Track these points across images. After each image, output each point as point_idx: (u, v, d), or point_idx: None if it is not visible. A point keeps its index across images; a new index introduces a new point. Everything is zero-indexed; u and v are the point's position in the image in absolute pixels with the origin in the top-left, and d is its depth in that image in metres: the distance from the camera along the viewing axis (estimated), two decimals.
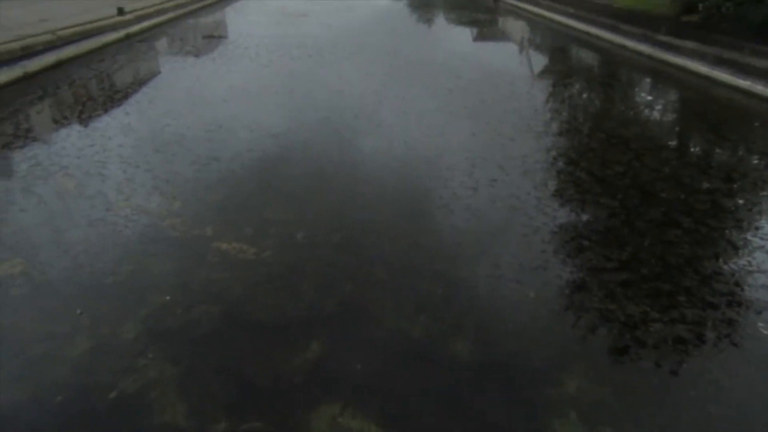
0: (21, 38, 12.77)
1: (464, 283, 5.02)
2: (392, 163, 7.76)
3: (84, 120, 9.50)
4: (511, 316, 4.57)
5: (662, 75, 13.91)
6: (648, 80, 13.96)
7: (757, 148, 8.92)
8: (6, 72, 11.49)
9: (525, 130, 9.08)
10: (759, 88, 11.45)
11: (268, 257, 5.33)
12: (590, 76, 14.22)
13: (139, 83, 12.43)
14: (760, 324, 4.51)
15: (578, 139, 9.10)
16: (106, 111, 10.03)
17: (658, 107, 11.63)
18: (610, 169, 7.56)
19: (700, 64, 13.03)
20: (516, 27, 23.32)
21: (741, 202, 6.82)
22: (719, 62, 12.41)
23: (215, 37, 18.56)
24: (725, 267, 5.35)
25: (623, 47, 16.57)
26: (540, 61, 16.38)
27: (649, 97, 12.34)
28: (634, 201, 6.62)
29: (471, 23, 23.42)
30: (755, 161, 8.35)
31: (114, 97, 11.14)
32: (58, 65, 13.28)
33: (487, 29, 22.70)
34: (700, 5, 15.39)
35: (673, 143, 9.46)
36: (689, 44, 13.65)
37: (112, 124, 9.25)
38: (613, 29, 17.50)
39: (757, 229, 6.15)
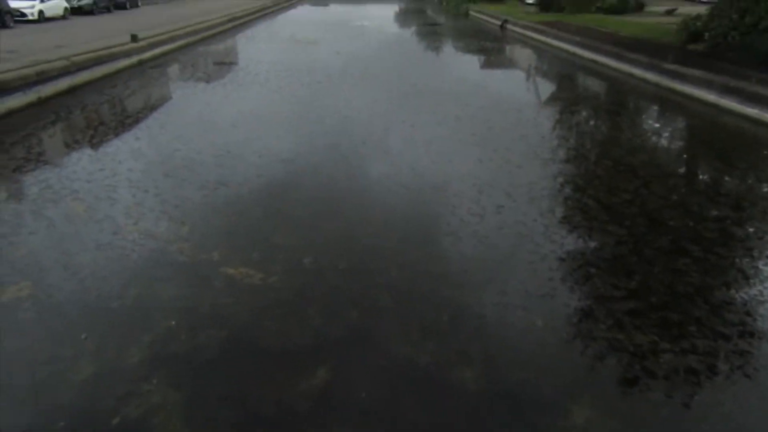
0: (36, 64, 13.02)
1: (471, 311, 4.98)
2: (400, 189, 7.78)
3: (95, 144, 9.62)
4: (519, 345, 4.52)
5: (669, 103, 13.96)
6: (655, 108, 14.01)
7: (767, 176, 8.89)
8: (20, 97, 11.70)
9: (532, 157, 9.10)
10: None
11: (274, 282, 5.33)
12: (597, 104, 14.29)
13: (151, 108, 12.61)
14: None
15: (585, 166, 9.11)
16: (117, 135, 10.16)
17: (665, 135, 11.64)
18: (617, 197, 7.54)
19: (707, 92, 13.07)
20: (523, 55, 23.56)
21: (751, 230, 6.76)
22: (726, 90, 12.44)
23: (226, 64, 18.86)
24: (736, 296, 5.28)
25: (630, 75, 16.67)
26: (547, 88, 16.50)
27: (656, 125, 12.36)
28: (641, 229, 6.59)
29: (478, 51, 23.69)
30: (765, 189, 8.31)
31: (125, 122, 11.29)
32: (72, 90, 13.52)
33: (494, 57, 22.94)
34: (706, 34, 15.53)
35: (680, 171, 9.44)
36: (696, 72, 13.72)
37: (122, 148, 9.36)
38: (620, 57, 17.63)
39: None
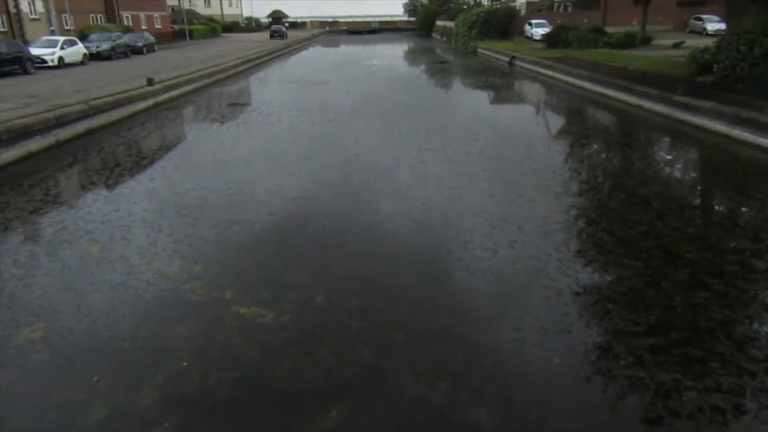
0: (55, 108, 13.37)
1: (486, 348, 4.88)
2: (411, 226, 7.77)
3: (111, 185, 9.77)
4: (535, 383, 4.40)
5: (680, 134, 13.93)
6: (666, 140, 13.98)
7: None
8: (39, 140, 11.97)
9: (544, 191, 9.06)
10: None
11: (286, 322, 5.28)
12: (608, 137, 14.30)
13: (165, 149, 12.83)
14: None
15: (598, 199, 9.05)
16: (132, 177, 10.32)
17: (678, 166, 11.58)
18: (632, 229, 7.45)
19: (718, 123, 13.04)
20: (532, 90, 23.78)
21: None
22: (738, 121, 12.40)
23: (239, 105, 19.23)
24: (760, 330, 5.13)
25: (639, 108, 16.72)
26: (557, 122, 16.58)
27: (668, 156, 12.31)
28: (658, 262, 6.48)
29: (487, 87, 23.97)
30: None
31: (140, 163, 11.48)
32: (90, 133, 13.82)
33: (503, 92, 23.19)
34: (715, 66, 15.58)
35: (695, 202, 9.35)
36: (706, 104, 13.71)
37: (137, 189, 9.48)
38: (629, 91, 17.72)
39: None
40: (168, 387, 4.35)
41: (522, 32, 42.42)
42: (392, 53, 47.86)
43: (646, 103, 16.54)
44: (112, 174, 10.54)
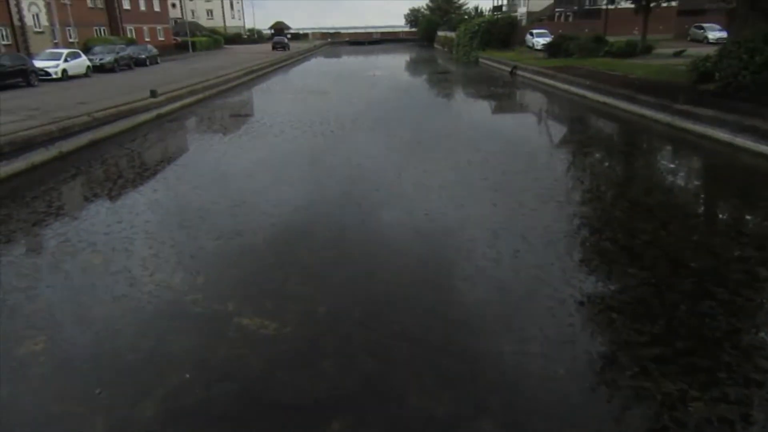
0: (59, 120, 13.42)
1: (489, 359, 4.84)
2: (413, 236, 7.75)
3: (113, 197, 9.78)
4: (540, 394, 4.36)
5: (683, 143, 13.91)
6: (669, 148, 13.96)
7: None
8: (42, 153, 12.01)
9: (546, 200, 9.04)
10: None
11: (288, 333, 5.25)
12: (610, 145, 14.29)
13: (168, 160, 12.86)
14: None
15: (601, 208, 9.03)
16: (135, 188, 10.34)
17: (681, 174, 11.55)
18: (636, 238, 7.42)
19: (721, 131, 13.03)
20: (534, 99, 23.82)
21: None
22: (741, 129, 12.38)
23: (242, 116, 19.29)
24: (767, 340, 5.08)
25: (641, 116, 16.72)
26: (559, 131, 16.58)
27: (671, 165, 12.29)
28: (663, 271, 6.44)
29: (489, 96, 24.02)
30: None
31: (143, 175, 11.51)
32: (93, 145, 13.86)
33: (505, 102, 23.23)
34: (717, 74, 15.58)
35: (699, 210, 9.31)
36: (708, 112, 13.70)
37: (140, 200, 9.49)
38: (630, 99, 17.73)
39: None
40: (170, 399, 4.32)
41: (523, 42, 42.59)
42: (394, 63, 48.06)
43: (648, 112, 16.54)
44: (115, 185, 10.56)
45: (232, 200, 9.31)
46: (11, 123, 12.90)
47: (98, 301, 5.90)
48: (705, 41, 36.38)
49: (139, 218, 8.49)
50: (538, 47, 38.07)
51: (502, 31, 44.14)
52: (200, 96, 22.69)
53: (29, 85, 22.50)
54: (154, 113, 18.04)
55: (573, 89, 22.64)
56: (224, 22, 77.48)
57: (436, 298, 5.97)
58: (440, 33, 68.19)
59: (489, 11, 65.31)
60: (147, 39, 46.51)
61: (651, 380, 4.44)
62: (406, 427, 4.04)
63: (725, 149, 12.65)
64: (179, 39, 54.26)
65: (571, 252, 7.04)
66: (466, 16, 65.41)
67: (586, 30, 37.79)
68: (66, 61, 25.79)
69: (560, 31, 39.51)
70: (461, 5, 76.61)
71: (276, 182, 10.57)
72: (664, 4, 31.14)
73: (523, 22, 52.06)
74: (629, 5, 31.20)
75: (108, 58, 30.52)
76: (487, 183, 10.21)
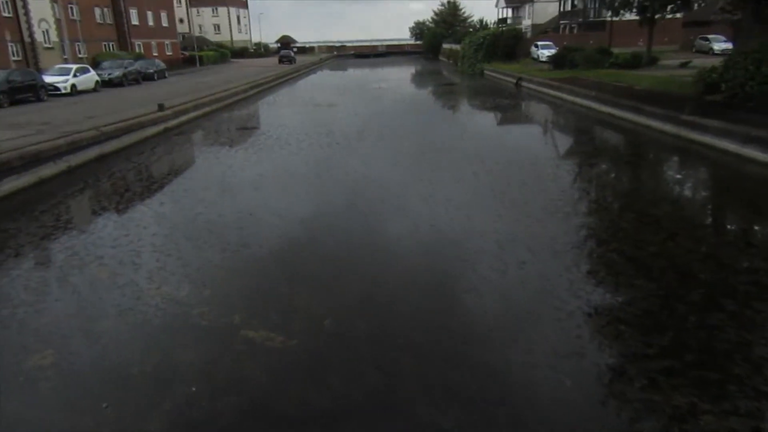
0: (67, 134, 13.55)
1: (496, 371, 4.81)
2: (419, 247, 7.74)
3: (121, 210, 9.84)
4: (548, 407, 4.32)
5: (690, 153, 13.86)
6: (675, 159, 13.93)
7: None
8: (50, 167, 12.12)
9: (552, 211, 9.02)
10: None
11: (294, 346, 5.24)
12: (616, 156, 14.27)
13: (175, 173, 12.94)
14: None
15: (608, 218, 9.00)
16: (142, 201, 10.40)
17: (689, 185, 11.51)
18: (643, 250, 7.38)
19: (728, 141, 12.98)
20: (539, 110, 23.85)
21: None
22: (748, 140, 12.34)
23: (248, 129, 19.41)
24: None
25: (648, 127, 16.70)
26: (564, 142, 16.58)
27: (678, 176, 12.25)
28: (671, 282, 6.40)
29: (494, 108, 24.07)
30: None
31: (150, 188, 11.58)
32: (101, 159, 13.98)
33: (510, 113, 23.27)
34: (723, 85, 15.56)
35: (707, 221, 9.26)
36: (715, 123, 13.66)
37: (147, 213, 9.54)
38: (637, 110, 17.71)
39: None
40: (176, 413, 4.32)
41: (528, 54, 42.74)
42: (399, 76, 48.30)
43: (654, 123, 16.52)
44: (123, 199, 10.63)
45: (238, 212, 9.34)
46: (21, 137, 13.04)
47: (105, 315, 5.92)
48: (710, 52, 36.39)
49: (146, 231, 8.53)
50: (543, 59, 38.17)
51: (507, 44, 44.31)
52: (207, 109, 22.86)
53: (39, 100, 22.75)
54: (161, 127, 18.18)
55: (578, 100, 22.66)
56: (231, 36, 78.28)
57: (442, 310, 5.95)
58: (445, 45, 68.58)
59: (494, 24, 65.68)
60: (155, 53, 47.03)
61: (660, 393, 4.40)
62: None
63: (733, 160, 12.60)
64: (187, 53, 54.81)
65: (578, 263, 7.01)
66: (471, 29, 65.81)
67: (591, 42, 37.92)
68: (75, 76, 26.08)
69: (565, 43, 39.64)
70: (466, 18, 77.16)
71: (282, 194, 10.61)
72: (669, 16, 31.15)
73: (528, 35, 52.32)
74: (634, 17, 31.26)
75: (116, 73, 30.84)
76: (493, 194, 10.20)
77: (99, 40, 40.27)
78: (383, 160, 13.63)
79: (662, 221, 8.55)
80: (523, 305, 6.01)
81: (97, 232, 8.60)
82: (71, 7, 35.57)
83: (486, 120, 21.47)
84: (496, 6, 69.87)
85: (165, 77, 37.56)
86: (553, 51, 37.02)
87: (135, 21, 45.39)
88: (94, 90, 27.57)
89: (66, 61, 31.88)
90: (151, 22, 48.34)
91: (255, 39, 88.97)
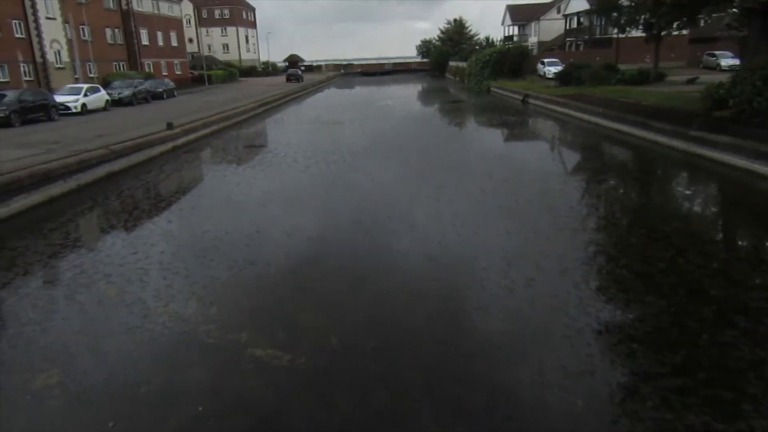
0: (77, 153, 13.68)
1: (506, 390, 4.75)
2: (427, 265, 7.70)
3: (129, 228, 9.88)
4: (558, 427, 4.25)
5: (699, 169, 13.80)
6: (684, 174, 13.86)
7: None
8: (60, 185, 12.22)
9: (561, 228, 8.97)
10: None
11: (302, 364, 5.20)
12: (624, 172, 14.22)
13: (183, 191, 13.00)
14: None
15: (617, 235, 8.93)
16: (150, 219, 10.44)
17: (698, 200, 11.43)
18: (653, 266, 7.30)
19: (737, 157, 12.92)
20: (546, 127, 23.87)
21: None
22: (758, 155, 12.28)
23: (256, 146, 19.53)
24: None
25: (655, 143, 16.66)
26: (572, 158, 16.55)
27: (688, 191, 12.18)
28: (682, 299, 6.32)
29: (502, 125, 24.11)
30: None
31: (158, 206, 11.63)
32: (110, 177, 14.08)
33: (517, 130, 23.29)
34: (731, 101, 15.52)
35: (718, 237, 9.17)
36: (724, 139, 13.62)
37: (155, 231, 9.57)
38: (644, 126, 17.69)
39: None
40: None
41: (534, 71, 42.88)
42: (406, 93, 48.57)
43: (662, 139, 16.49)
44: (131, 217, 10.68)
45: (246, 230, 9.36)
46: (32, 156, 13.17)
47: (112, 333, 5.91)
48: (718, 68, 36.37)
49: (153, 249, 8.55)
50: (550, 76, 38.29)
51: (513, 61, 44.55)
52: (215, 128, 23.04)
53: (50, 119, 23.03)
54: (170, 145, 18.32)
55: (585, 117, 22.67)
56: (239, 55, 79.16)
57: (450, 328, 5.90)
58: (452, 63, 68.99)
59: (500, 41, 66.06)
60: (164, 73, 47.62)
61: (673, 412, 4.32)
62: None
63: (742, 175, 12.53)
64: (196, 72, 55.46)
65: (588, 280, 6.95)
66: (477, 47, 66.21)
67: (598, 59, 37.97)
68: (85, 95, 26.41)
69: (571, 60, 39.75)
70: (472, 36, 77.62)
71: (289, 212, 10.62)
72: (675, 33, 31.20)
73: (534, 52, 52.54)
74: (640, 34, 31.33)
75: (126, 92, 31.21)
76: (501, 211, 10.17)
77: (109, 60, 40.84)
78: (390, 177, 13.65)
79: (672, 237, 8.47)
80: (532, 323, 5.94)
81: (105, 250, 8.62)
82: (83, 28, 36.14)
83: (493, 136, 21.49)
84: (503, 24, 70.37)
85: (174, 96, 37.95)
86: (559, 68, 37.13)
87: (145, 41, 46.05)
88: (104, 109, 27.89)
89: (77, 81, 32.33)
90: (160, 42, 49.01)
91: (263, 58, 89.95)
